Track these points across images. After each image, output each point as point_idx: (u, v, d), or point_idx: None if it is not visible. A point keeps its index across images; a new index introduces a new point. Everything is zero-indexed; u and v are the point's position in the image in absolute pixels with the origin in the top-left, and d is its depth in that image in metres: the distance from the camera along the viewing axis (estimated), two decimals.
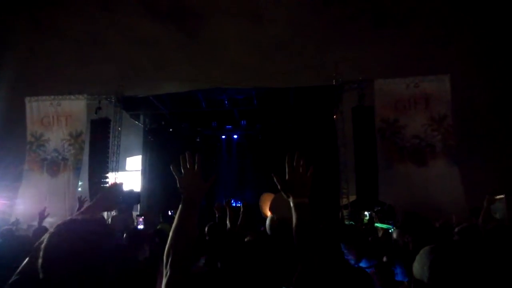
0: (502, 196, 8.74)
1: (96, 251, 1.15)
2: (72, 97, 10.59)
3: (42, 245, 1.15)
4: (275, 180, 1.65)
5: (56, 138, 10.34)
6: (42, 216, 4.27)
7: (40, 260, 1.13)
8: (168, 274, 1.36)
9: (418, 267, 1.35)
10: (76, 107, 10.47)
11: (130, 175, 14.31)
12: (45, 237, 1.17)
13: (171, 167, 1.55)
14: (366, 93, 9.86)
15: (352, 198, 10.17)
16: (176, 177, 1.54)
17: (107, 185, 9.69)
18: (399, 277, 2.45)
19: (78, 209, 3.08)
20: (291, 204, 1.59)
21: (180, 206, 1.49)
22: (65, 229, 1.17)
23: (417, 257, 1.37)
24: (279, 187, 1.63)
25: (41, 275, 1.11)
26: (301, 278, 1.44)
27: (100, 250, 1.16)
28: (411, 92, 9.54)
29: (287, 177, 1.63)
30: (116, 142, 10.70)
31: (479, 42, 11.54)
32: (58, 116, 10.45)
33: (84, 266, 1.12)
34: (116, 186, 2.01)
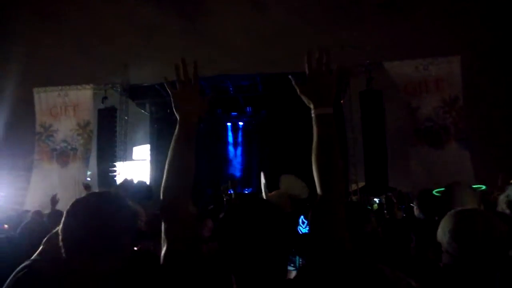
0: None
1: (111, 224, 1.13)
2: (79, 87, 10.60)
3: (60, 225, 1.14)
4: (293, 83, 1.36)
5: (65, 129, 10.40)
6: (54, 202, 4.41)
7: (60, 241, 1.12)
8: (166, 244, 1.17)
9: (441, 231, 1.36)
10: (83, 97, 10.49)
11: (137, 164, 14.39)
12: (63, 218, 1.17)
13: (164, 83, 1.34)
14: (374, 76, 9.68)
15: (361, 184, 10.09)
16: (170, 93, 1.30)
17: (116, 180, 9.74)
18: None
19: None
20: (312, 115, 1.27)
21: (175, 131, 1.26)
22: (79, 207, 1.15)
23: (441, 222, 1.38)
24: (298, 90, 1.34)
25: (64, 255, 1.11)
26: (320, 207, 1.18)
27: (114, 222, 1.13)
28: (421, 75, 9.34)
29: (307, 76, 1.31)
30: (123, 131, 10.73)
31: (489, 24, 11.21)
32: (66, 106, 10.49)
33: (101, 241, 1.10)
34: (125, 183, 1.96)
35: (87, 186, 3.52)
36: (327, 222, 1.15)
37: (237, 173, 12.82)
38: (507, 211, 2.32)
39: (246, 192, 11.68)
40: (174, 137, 1.27)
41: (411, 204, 4.04)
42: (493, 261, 1.25)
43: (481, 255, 1.25)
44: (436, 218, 2.59)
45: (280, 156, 11.28)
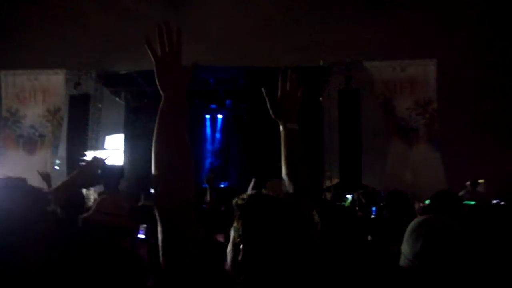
0: (482, 180, 8.93)
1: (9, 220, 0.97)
2: (50, 71, 10.15)
3: None
4: (264, 94, 1.51)
5: (33, 114, 9.95)
6: (48, 179, 4.13)
7: None
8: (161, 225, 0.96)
9: (405, 241, 1.32)
10: (54, 82, 10.05)
11: (109, 153, 14.02)
12: None
13: (146, 46, 1.12)
14: (353, 75, 9.77)
15: (335, 181, 10.22)
16: (153, 60, 1.11)
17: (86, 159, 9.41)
18: None
19: (48, 187, 2.92)
20: (281, 129, 1.48)
21: (160, 108, 1.05)
22: None
23: (407, 231, 1.35)
24: (267, 103, 1.51)
25: None
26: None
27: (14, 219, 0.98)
28: (397, 76, 9.52)
29: (279, 94, 1.51)
30: (95, 119, 10.38)
31: (468, 28, 11.51)
32: (35, 91, 10.03)
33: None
34: (96, 161, 1.84)
35: (45, 175, 3.26)
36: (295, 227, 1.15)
37: (214, 166, 12.71)
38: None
39: (222, 186, 11.60)
40: (159, 113, 1.06)
41: (381, 204, 4.09)
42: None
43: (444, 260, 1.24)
44: (405, 218, 2.63)
45: (258, 150, 11.25)
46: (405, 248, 1.32)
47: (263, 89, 1.52)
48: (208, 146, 12.93)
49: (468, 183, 9.17)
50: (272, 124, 1.62)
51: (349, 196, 11.05)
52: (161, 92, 1.10)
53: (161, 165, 1.00)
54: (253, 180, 3.35)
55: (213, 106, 12.50)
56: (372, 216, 4.45)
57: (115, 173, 1.51)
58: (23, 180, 1.12)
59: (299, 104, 1.52)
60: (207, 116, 12.96)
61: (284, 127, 1.48)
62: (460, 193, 2.72)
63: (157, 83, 1.11)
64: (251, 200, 0.97)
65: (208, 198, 3.73)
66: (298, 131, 1.48)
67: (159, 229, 0.97)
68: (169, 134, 1.03)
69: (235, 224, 0.97)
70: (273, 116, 1.52)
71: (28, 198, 1.04)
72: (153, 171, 1.01)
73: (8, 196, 1.02)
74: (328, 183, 10.36)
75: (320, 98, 10.94)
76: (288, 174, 1.42)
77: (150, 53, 1.12)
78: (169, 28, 1.13)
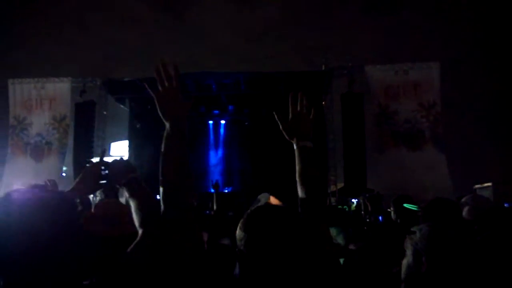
0: (489, 184, 8.88)
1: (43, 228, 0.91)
2: (56, 79, 10.28)
3: None
4: (276, 118, 1.55)
5: (40, 122, 10.07)
6: (54, 185, 4.16)
7: None
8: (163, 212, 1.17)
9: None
10: (60, 90, 10.18)
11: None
12: None
13: (145, 86, 1.37)
14: (355, 79, 9.79)
15: (340, 185, 10.20)
16: (153, 96, 1.32)
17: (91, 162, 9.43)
18: None
19: None
20: (295, 147, 1.50)
21: (165, 134, 1.27)
22: (8, 202, 0.94)
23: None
24: (280, 126, 1.54)
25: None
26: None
27: (50, 227, 0.92)
28: (401, 79, 9.52)
29: (290, 116, 1.54)
30: (101, 127, 10.48)
31: (471, 31, 11.52)
32: (41, 99, 10.16)
33: (30, 248, 0.89)
34: (96, 165, 1.77)
35: (51, 183, 3.18)
36: (309, 245, 1.20)
37: (218, 172, 12.73)
38: (469, 218, 2.43)
39: (226, 191, 11.62)
40: (163, 142, 1.28)
41: (388, 210, 4.07)
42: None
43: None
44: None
45: (261, 156, 11.27)
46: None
47: (275, 114, 1.55)
48: (212, 152, 12.97)
49: (476, 186, 9.14)
50: (274, 129, 1.67)
51: (354, 201, 11.03)
52: (164, 121, 1.30)
53: (168, 179, 1.23)
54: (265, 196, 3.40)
55: (216, 112, 12.54)
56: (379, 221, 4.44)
57: (120, 169, 1.48)
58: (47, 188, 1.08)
59: (312, 124, 1.54)
60: (210, 122, 13.01)
61: (297, 145, 1.49)
62: (463, 199, 2.69)
63: (160, 114, 1.30)
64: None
65: (214, 203, 3.76)
66: (311, 148, 1.48)
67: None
68: (173, 155, 1.26)
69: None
70: (287, 137, 1.54)
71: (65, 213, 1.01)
72: (160, 182, 1.23)
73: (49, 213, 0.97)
74: (332, 188, 10.34)
75: (323, 103, 10.94)
76: (303, 193, 1.41)
77: (150, 91, 1.32)
78: (166, 67, 1.30)
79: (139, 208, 1.37)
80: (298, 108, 1.54)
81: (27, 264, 0.89)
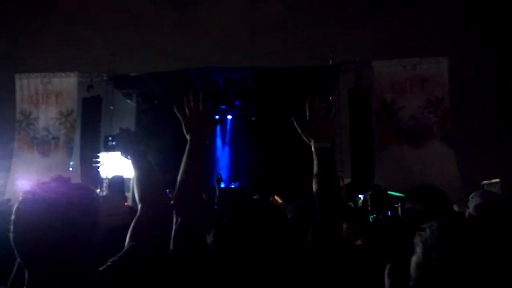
0: (497, 180, 8.78)
1: (72, 221, 0.95)
2: (63, 74, 10.32)
3: (12, 217, 0.95)
4: (295, 124, 1.57)
5: (46, 117, 10.12)
6: None
7: (11, 236, 0.94)
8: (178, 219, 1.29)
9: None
10: (66, 84, 10.22)
11: (121, 155, 14.14)
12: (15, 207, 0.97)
13: (174, 109, 1.53)
14: (363, 74, 9.70)
15: (347, 181, 10.14)
16: (180, 118, 1.51)
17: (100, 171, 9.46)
18: None
19: None
20: (313, 149, 1.51)
21: (187, 147, 1.45)
22: (34, 195, 0.96)
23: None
24: (299, 130, 1.56)
25: (17, 256, 0.94)
26: (319, 230, 1.34)
27: (78, 219, 0.96)
28: (408, 74, 9.43)
29: (308, 119, 1.56)
30: (108, 122, 10.51)
31: (479, 25, 11.33)
32: (48, 94, 10.21)
33: (59, 242, 0.93)
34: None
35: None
36: (325, 244, 1.28)
37: (224, 167, 12.74)
38: (475, 214, 2.41)
39: (232, 186, 11.62)
40: (186, 153, 1.45)
41: (396, 205, 4.04)
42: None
43: None
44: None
45: (268, 151, 11.24)
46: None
47: (293, 120, 1.57)
48: (218, 147, 12.98)
49: (483, 182, 9.04)
50: (280, 125, 1.67)
51: (361, 196, 10.98)
52: (186, 135, 1.50)
53: (186, 182, 1.38)
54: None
55: (223, 107, 12.52)
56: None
57: (128, 139, 1.57)
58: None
59: (333, 124, 1.56)
60: (217, 117, 12.99)
61: (314, 147, 1.50)
62: (471, 195, 2.66)
63: (184, 131, 1.51)
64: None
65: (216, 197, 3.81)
66: (328, 149, 1.49)
67: (175, 221, 1.29)
68: (193, 164, 1.42)
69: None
70: (306, 140, 1.55)
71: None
72: (179, 183, 1.39)
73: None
74: (340, 183, 10.29)
75: (330, 98, 10.88)
76: (318, 191, 1.43)
77: (178, 115, 1.53)
78: (194, 96, 1.55)
79: (140, 181, 1.44)
80: (315, 111, 1.55)
81: (53, 256, 0.93)
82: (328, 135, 1.52)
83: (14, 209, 0.96)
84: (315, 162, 1.47)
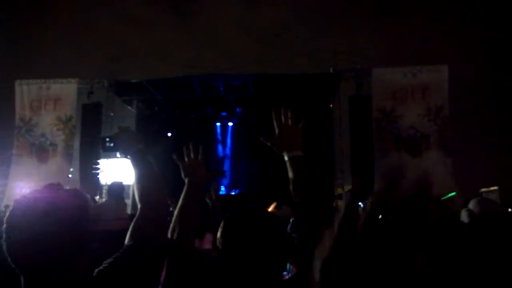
0: (495, 188, 8.77)
1: (64, 226, 0.97)
2: (64, 80, 10.30)
3: (3, 226, 0.97)
4: (262, 140, 1.63)
5: (44, 123, 10.04)
6: None
7: (4, 244, 0.95)
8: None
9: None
10: (66, 90, 10.18)
11: (121, 162, 14.10)
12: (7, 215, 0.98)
13: (174, 157, 1.60)
14: (363, 82, 9.72)
15: (347, 188, 10.11)
16: (179, 164, 1.59)
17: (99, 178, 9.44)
18: None
19: None
20: (286, 159, 1.53)
21: (185, 188, 1.53)
22: (25, 203, 0.98)
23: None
24: (269, 144, 1.61)
25: (11, 263, 0.94)
26: (306, 235, 1.38)
27: (69, 224, 0.98)
28: (409, 82, 9.44)
29: (276, 132, 1.59)
30: (108, 128, 10.48)
31: (479, 33, 11.39)
32: (48, 100, 10.17)
33: (52, 247, 0.94)
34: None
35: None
36: (313, 246, 1.27)
37: (225, 174, 12.69)
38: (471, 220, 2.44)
39: (233, 193, 11.57)
40: (183, 193, 1.53)
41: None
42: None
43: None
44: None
45: (268, 158, 11.20)
46: None
47: (258, 136, 1.63)
48: (219, 154, 12.94)
49: (482, 190, 9.03)
50: None
51: (361, 204, 10.95)
52: (184, 178, 1.58)
53: (181, 222, 1.47)
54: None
55: (224, 114, 12.52)
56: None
57: (127, 139, 1.56)
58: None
59: (301, 132, 1.55)
60: (218, 124, 12.99)
61: (287, 157, 1.51)
62: (470, 204, 2.66)
63: (182, 175, 1.58)
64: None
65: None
66: (301, 157, 1.50)
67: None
68: (188, 205, 1.52)
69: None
70: (277, 152, 1.57)
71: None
72: (174, 221, 1.49)
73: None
74: (340, 191, 10.26)
75: (331, 105, 10.88)
76: (298, 200, 1.45)
77: (179, 163, 1.60)
78: (194, 147, 1.61)
79: (140, 180, 1.43)
80: (283, 122, 1.57)
81: (46, 262, 0.94)
82: (298, 144, 1.52)
83: (5, 218, 0.97)
84: (290, 171, 1.48)
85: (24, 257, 0.94)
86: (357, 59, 10.16)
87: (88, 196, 1.17)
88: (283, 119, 1.59)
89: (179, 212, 1.48)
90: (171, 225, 1.45)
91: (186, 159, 1.60)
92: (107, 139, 1.65)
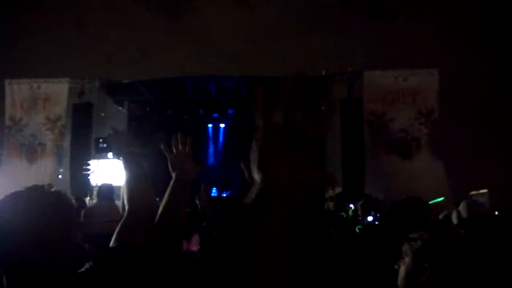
0: (485, 190, 8.87)
1: (43, 229, 0.98)
2: (54, 80, 10.21)
3: None
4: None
5: (34, 122, 9.95)
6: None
7: None
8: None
9: None
10: (57, 90, 10.10)
11: (112, 162, 13.99)
12: None
13: (161, 147, 1.57)
14: (355, 85, 9.79)
15: (338, 190, 10.15)
16: (167, 157, 1.54)
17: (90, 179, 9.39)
18: None
19: None
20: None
21: (171, 183, 1.48)
22: (4, 204, 1.01)
23: None
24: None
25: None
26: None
27: (47, 227, 0.99)
28: (400, 85, 9.54)
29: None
30: (99, 129, 10.40)
31: (470, 36, 11.55)
32: (38, 99, 10.07)
33: (34, 248, 0.97)
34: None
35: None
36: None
37: (216, 175, 12.68)
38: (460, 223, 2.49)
39: (224, 195, 11.56)
40: (169, 188, 1.48)
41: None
42: None
43: None
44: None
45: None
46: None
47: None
48: (211, 155, 12.93)
49: (471, 193, 9.14)
50: None
51: (352, 206, 11.00)
52: (171, 173, 1.53)
53: (165, 217, 1.42)
54: None
55: (216, 115, 12.52)
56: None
57: (119, 141, 1.66)
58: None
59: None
60: (210, 125, 12.98)
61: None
62: (460, 207, 2.70)
63: (170, 169, 1.53)
64: None
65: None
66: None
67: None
68: (174, 200, 1.47)
69: None
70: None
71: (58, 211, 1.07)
72: (158, 216, 1.42)
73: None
74: (330, 193, 10.30)
75: (322, 107, 10.92)
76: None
77: (166, 153, 1.57)
78: (182, 138, 1.59)
79: (130, 182, 1.46)
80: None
81: (27, 262, 0.95)
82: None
83: None
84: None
85: (5, 258, 0.95)
86: (349, 62, 10.22)
87: (73, 198, 1.18)
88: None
89: (164, 210, 1.41)
90: (157, 217, 1.41)
91: (174, 150, 1.57)
92: (100, 140, 1.69)
